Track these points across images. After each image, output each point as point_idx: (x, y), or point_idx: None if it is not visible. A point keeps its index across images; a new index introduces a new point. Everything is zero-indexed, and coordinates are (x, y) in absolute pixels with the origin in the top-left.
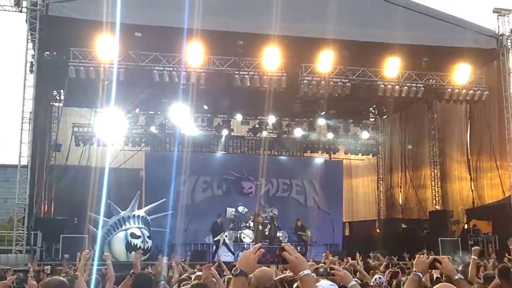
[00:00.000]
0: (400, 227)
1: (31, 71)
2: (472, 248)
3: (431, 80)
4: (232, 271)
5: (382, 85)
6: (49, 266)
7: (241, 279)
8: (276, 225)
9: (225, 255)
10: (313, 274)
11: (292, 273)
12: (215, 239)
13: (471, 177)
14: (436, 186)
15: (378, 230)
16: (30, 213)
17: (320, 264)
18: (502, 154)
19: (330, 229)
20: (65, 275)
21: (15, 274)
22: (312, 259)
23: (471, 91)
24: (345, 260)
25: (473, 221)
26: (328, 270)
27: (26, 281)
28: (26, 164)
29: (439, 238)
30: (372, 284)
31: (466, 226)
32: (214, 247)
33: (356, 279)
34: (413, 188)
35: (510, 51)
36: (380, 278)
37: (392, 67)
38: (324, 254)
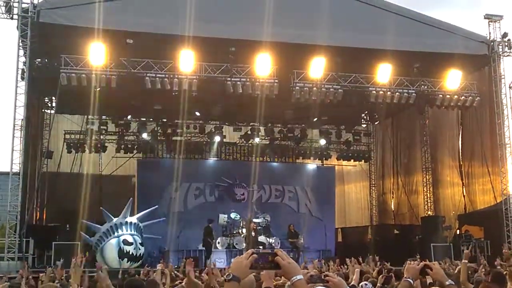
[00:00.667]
0: (392, 233)
1: (23, 78)
2: (464, 252)
3: (422, 86)
4: (225, 277)
5: (374, 91)
6: (44, 274)
7: (233, 285)
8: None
9: (218, 261)
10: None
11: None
12: (209, 241)
13: (463, 183)
14: (428, 192)
15: (370, 236)
16: (22, 220)
17: (313, 271)
18: (493, 160)
19: (322, 235)
20: (59, 281)
21: (9, 281)
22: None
23: (463, 97)
24: (337, 266)
25: (465, 226)
26: (322, 277)
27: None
28: (18, 171)
29: (431, 244)
30: None
31: (458, 232)
32: (205, 253)
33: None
34: (405, 194)
35: (502, 57)
36: (366, 284)
37: (383, 73)
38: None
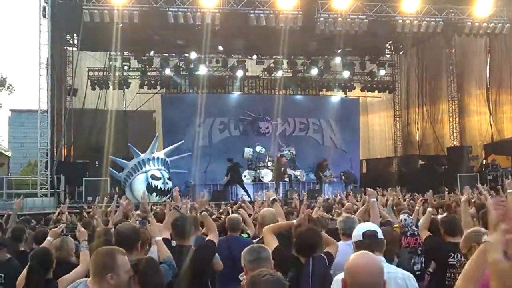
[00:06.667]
0: (417, 164)
1: (44, 16)
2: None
3: (450, 14)
4: None
5: (401, 20)
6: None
7: None
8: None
9: (245, 195)
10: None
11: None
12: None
13: (490, 112)
14: (454, 121)
15: (395, 167)
16: (52, 158)
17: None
18: None
19: (348, 167)
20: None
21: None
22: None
23: (492, 24)
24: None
25: (491, 155)
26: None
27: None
28: (46, 109)
29: (458, 174)
30: (398, 224)
31: (484, 162)
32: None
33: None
34: (430, 124)
35: None
36: (405, 219)
37: (410, 2)
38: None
